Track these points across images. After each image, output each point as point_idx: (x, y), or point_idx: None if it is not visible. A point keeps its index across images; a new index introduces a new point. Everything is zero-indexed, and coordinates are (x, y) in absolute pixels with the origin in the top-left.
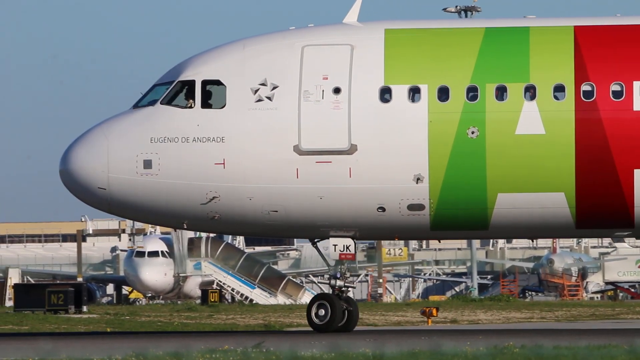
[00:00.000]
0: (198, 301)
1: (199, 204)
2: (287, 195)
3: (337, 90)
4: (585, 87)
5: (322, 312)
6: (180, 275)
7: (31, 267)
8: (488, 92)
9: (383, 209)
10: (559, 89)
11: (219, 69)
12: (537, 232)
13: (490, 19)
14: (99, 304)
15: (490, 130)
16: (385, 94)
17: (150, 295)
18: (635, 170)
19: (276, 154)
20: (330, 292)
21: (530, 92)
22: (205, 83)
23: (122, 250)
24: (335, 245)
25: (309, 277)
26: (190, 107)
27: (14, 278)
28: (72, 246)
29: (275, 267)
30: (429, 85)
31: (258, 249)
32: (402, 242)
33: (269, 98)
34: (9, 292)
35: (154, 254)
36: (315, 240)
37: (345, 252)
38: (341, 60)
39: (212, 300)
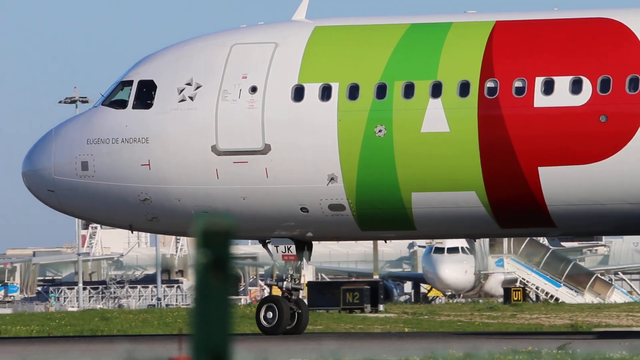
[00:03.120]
0: (500, 300)
1: (135, 205)
2: (212, 197)
3: (253, 89)
4: (489, 84)
5: (270, 314)
6: (482, 272)
7: (326, 265)
8: (396, 89)
9: (306, 210)
10: (465, 86)
11: (155, 69)
12: (464, 231)
13: (421, 14)
14: (396, 303)
15: (397, 128)
16: (298, 93)
17: (449, 293)
18: (540, 168)
19: (196, 155)
20: (280, 294)
21: (437, 89)
22: (141, 83)
23: (420, 247)
24: (277, 247)
25: (619, 274)
26: (124, 107)
27: (307, 275)
28: (368, 242)
29: (582, 263)
30: (340, 84)
31: (564, 244)
32: None
33: (191, 98)
34: (303, 290)
35: (453, 250)
36: (266, 241)
37: (287, 253)
38: (262, 59)
39: (515, 298)
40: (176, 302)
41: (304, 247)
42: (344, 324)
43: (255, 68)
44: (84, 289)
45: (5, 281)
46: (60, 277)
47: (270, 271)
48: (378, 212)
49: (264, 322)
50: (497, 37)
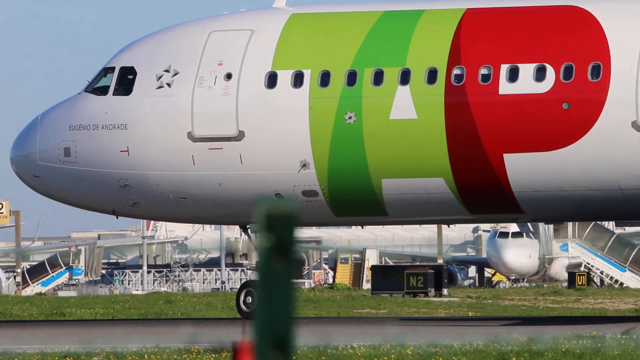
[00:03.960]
0: (564, 284)
1: (116, 191)
2: (189, 183)
3: (228, 76)
4: (456, 71)
5: (249, 299)
6: (546, 257)
7: (389, 249)
8: (366, 76)
9: (281, 196)
10: (432, 73)
11: (136, 55)
12: (435, 217)
13: (395, 2)
14: (460, 287)
15: (366, 115)
16: (271, 80)
17: (513, 278)
18: (505, 155)
19: (172, 141)
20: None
21: (405, 76)
22: (122, 70)
23: (484, 231)
24: (255, 233)
25: None
26: (106, 94)
27: (371, 259)
28: (432, 226)
29: None
30: (312, 70)
31: (628, 229)
32: None
33: (168, 85)
34: (367, 274)
35: (518, 234)
36: (247, 226)
37: None
38: (238, 46)
39: (580, 283)
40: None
41: None
42: (408, 308)
43: (231, 55)
44: (149, 272)
45: (70, 264)
46: (124, 260)
47: (335, 255)
48: (350, 198)
49: (243, 307)
50: (465, 25)
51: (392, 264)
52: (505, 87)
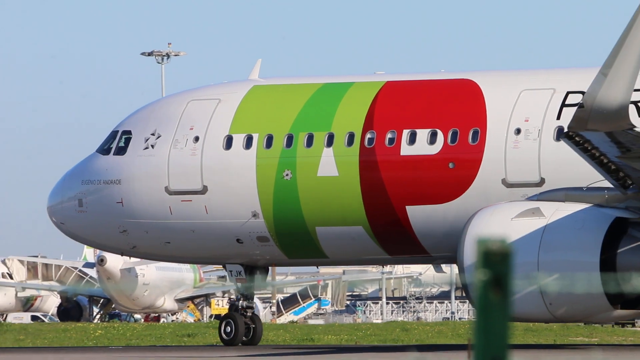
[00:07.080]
0: None
1: (118, 236)
2: (169, 230)
3: (196, 139)
4: (368, 135)
5: (228, 328)
6: None
7: None
8: (300, 139)
9: (241, 241)
10: (351, 136)
11: (134, 121)
12: (365, 258)
13: (334, 75)
14: None
15: (299, 173)
16: (228, 142)
17: None
18: (407, 207)
19: (154, 194)
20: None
21: (330, 139)
22: (123, 133)
23: None
24: (230, 272)
25: None
26: (109, 154)
27: None
28: None
29: None
30: (260, 134)
31: None
32: None
33: (152, 146)
34: None
35: None
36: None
37: (238, 277)
38: (206, 113)
39: None
40: (468, 316)
41: (255, 271)
42: (617, 337)
43: (200, 121)
44: (387, 303)
45: (319, 296)
46: (366, 293)
47: None
48: (295, 243)
49: (223, 335)
50: (381, 95)
51: None
52: (405, 149)
